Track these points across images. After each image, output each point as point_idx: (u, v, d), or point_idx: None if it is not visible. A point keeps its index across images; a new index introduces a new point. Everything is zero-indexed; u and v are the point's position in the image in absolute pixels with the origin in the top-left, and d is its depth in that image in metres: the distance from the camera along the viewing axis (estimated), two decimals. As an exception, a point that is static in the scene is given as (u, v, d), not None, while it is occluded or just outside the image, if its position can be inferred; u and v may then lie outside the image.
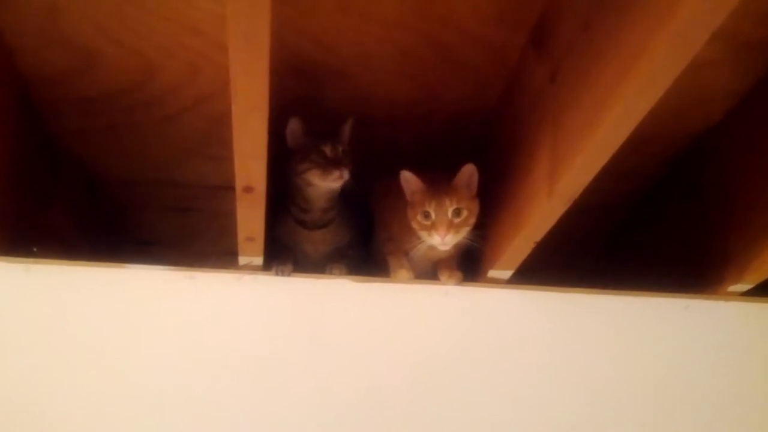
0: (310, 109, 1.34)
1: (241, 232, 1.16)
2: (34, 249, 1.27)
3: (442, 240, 1.23)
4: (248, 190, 1.05)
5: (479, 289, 1.30)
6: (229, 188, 1.07)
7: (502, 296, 1.30)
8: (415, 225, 1.26)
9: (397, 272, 1.30)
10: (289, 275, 1.27)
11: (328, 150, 1.29)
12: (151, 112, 1.35)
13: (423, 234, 1.26)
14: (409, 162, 1.36)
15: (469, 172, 1.25)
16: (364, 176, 1.37)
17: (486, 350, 1.27)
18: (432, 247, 1.27)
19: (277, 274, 1.26)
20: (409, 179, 1.27)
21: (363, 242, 1.40)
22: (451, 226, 1.23)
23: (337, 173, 1.27)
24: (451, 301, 1.29)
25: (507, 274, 1.28)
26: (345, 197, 1.36)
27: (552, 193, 1.03)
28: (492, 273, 1.28)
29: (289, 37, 1.18)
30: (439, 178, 1.27)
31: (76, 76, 1.26)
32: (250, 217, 1.12)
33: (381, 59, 1.25)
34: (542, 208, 1.08)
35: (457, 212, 1.23)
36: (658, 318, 1.33)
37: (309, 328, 1.24)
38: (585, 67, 0.96)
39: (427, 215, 1.24)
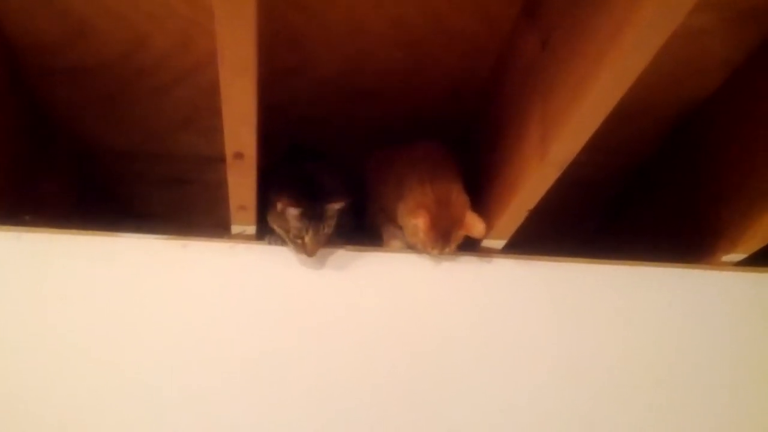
0: (300, 80, 1.34)
1: (233, 201, 1.15)
2: (27, 217, 1.27)
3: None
4: (238, 156, 1.04)
5: (472, 259, 1.30)
6: (222, 160, 1.06)
7: (495, 266, 1.30)
8: (413, 240, 1.27)
9: (389, 242, 1.30)
10: (282, 245, 1.26)
11: (308, 237, 1.21)
12: (142, 83, 1.34)
13: (418, 246, 1.27)
14: (401, 134, 1.36)
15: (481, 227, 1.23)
16: (356, 148, 1.37)
17: (478, 319, 1.27)
18: None
19: (270, 243, 1.26)
20: (419, 227, 1.22)
21: (357, 212, 1.40)
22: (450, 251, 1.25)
23: (303, 256, 1.23)
24: (444, 270, 1.29)
25: (500, 243, 1.28)
26: (338, 167, 1.35)
27: (544, 158, 1.03)
28: (485, 242, 1.28)
29: (279, 6, 1.17)
30: (443, 209, 1.24)
31: (65, 46, 1.25)
32: (242, 185, 1.11)
33: (373, 28, 1.24)
34: (535, 174, 1.07)
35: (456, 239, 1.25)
36: (652, 287, 1.34)
37: (302, 297, 1.24)
38: (576, 33, 0.96)
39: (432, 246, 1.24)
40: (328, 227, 1.23)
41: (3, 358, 1.13)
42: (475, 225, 1.22)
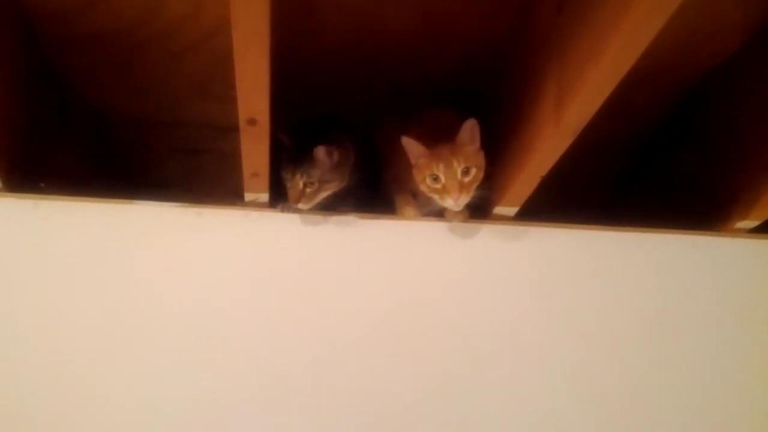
0: (312, 44, 1.33)
1: (247, 168, 1.15)
2: (42, 185, 1.28)
3: (455, 202, 1.20)
4: (252, 122, 1.04)
5: (485, 226, 1.30)
6: (236, 129, 1.06)
7: (507, 232, 1.30)
8: (424, 188, 1.23)
9: (403, 210, 1.30)
10: (295, 212, 1.27)
11: (298, 178, 1.22)
12: (156, 50, 1.33)
13: (434, 197, 1.22)
14: (416, 99, 1.35)
15: (470, 128, 1.20)
16: (370, 114, 1.36)
17: (490, 286, 1.28)
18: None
19: (283, 211, 1.26)
20: (410, 144, 1.21)
21: (371, 180, 1.40)
22: (462, 187, 1.19)
23: (289, 205, 1.25)
24: (457, 237, 1.29)
25: (513, 210, 1.28)
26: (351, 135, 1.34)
27: (559, 123, 1.02)
28: (498, 210, 1.28)
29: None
30: (440, 137, 1.21)
31: (80, 13, 1.25)
32: (255, 152, 1.11)
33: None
34: (549, 139, 1.07)
35: (466, 171, 1.20)
36: (666, 255, 1.34)
37: (315, 264, 1.25)
38: (591, -4, 0.95)
39: (436, 179, 1.20)
40: (322, 172, 1.22)
41: (18, 325, 1.15)
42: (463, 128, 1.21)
